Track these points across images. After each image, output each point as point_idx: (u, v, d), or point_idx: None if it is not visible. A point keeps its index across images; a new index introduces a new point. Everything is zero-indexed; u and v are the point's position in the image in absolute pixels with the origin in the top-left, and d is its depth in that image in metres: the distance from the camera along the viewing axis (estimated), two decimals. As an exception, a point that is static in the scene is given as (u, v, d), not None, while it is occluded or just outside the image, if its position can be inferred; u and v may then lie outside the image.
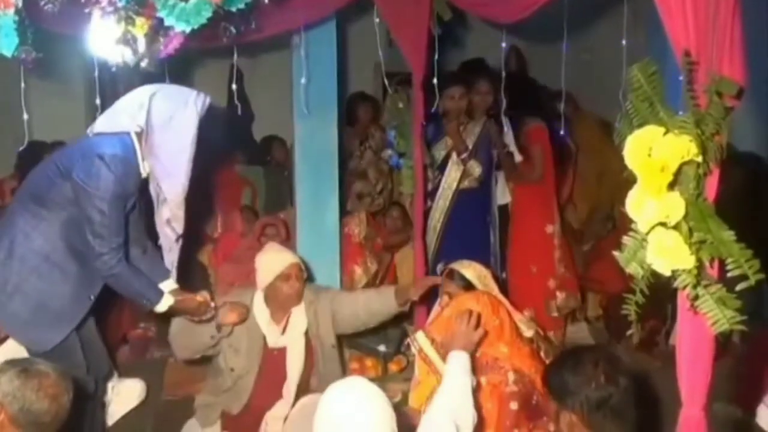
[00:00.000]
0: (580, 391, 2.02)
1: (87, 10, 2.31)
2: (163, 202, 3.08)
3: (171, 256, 3.25)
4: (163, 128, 2.94)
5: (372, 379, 4.14)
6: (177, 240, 3.20)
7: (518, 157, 4.90)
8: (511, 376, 3.12)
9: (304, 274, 3.60)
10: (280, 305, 3.53)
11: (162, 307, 3.11)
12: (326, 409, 2.05)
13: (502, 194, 4.97)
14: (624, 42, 3.36)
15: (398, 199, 5.34)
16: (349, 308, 3.62)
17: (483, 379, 3.12)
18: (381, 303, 3.61)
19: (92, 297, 3.06)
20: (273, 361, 3.50)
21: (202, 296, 3.25)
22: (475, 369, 3.16)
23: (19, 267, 2.93)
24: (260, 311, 3.53)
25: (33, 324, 2.96)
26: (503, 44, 3.74)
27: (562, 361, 2.19)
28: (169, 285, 3.21)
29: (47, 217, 2.94)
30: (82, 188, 2.86)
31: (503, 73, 3.99)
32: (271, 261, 3.57)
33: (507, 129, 4.82)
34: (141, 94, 2.99)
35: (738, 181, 4.11)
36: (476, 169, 4.69)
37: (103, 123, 3.03)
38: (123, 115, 2.99)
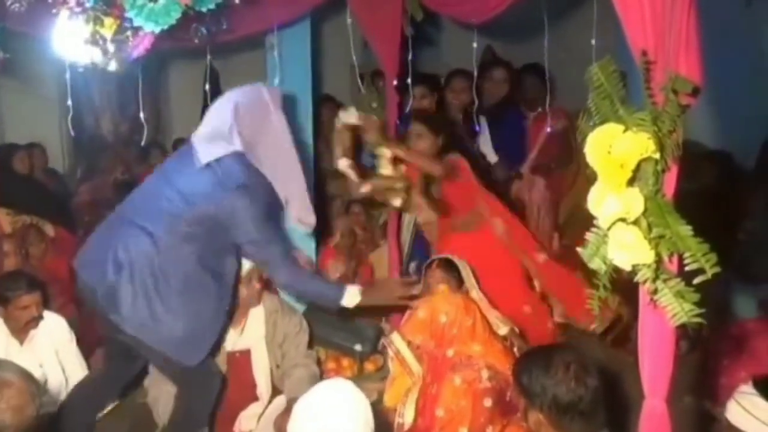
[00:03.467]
0: (549, 392, 2.03)
1: (54, 11, 2.30)
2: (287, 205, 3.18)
3: None
4: (257, 142, 3.00)
5: (348, 379, 4.18)
6: None
7: (493, 158, 4.94)
8: (485, 374, 3.15)
9: (264, 275, 3.57)
10: (238, 308, 3.52)
11: (349, 301, 3.10)
12: (304, 411, 2.05)
13: None
14: (593, 41, 3.40)
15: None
16: (287, 362, 3.61)
17: (457, 378, 3.15)
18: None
19: (227, 309, 3.12)
20: (237, 364, 3.52)
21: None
22: (450, 367, 3.19)
23: (158, 287, 2.90)
24: None
25: (187, 341, 2.96)
26: (475, 44, 3.76)
27: (532, 359, 2.19)
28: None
29: (176, 246, 2.92)
30: (229, 222, 2.92)
31: (475, 73, 4.02)
32: None
33: (482, 129, 4.86)
34: (223, 115, 3.01)
35: (709, 178, 4.17)
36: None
37: (207, 154, 2.99)
38: (220, 141, 2.99)
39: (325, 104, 5.84)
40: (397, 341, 3.31)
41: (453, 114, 4.83)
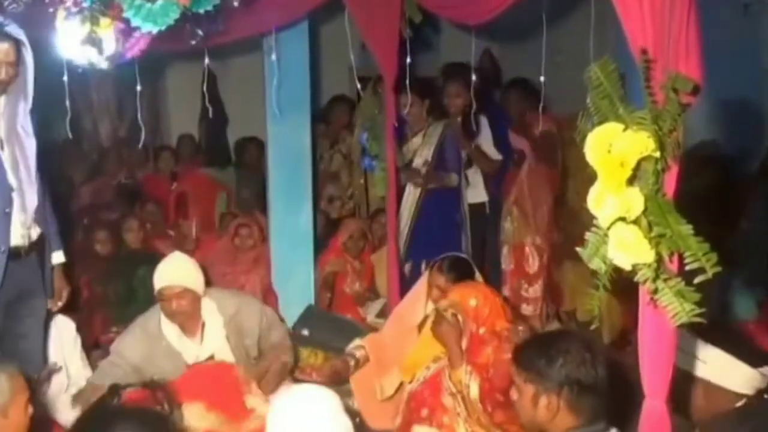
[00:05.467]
0: (573, 375, 2.01)
1: (51, 11, 2.29)
2: None
3: None
4: None
5: (346, 382, 4.18)
6: None
7: (496, 156, 4.94)
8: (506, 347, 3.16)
9: (193, 294, 3.41)
10: (174, 320, 3.43)
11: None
12: (279, 416, 2.03)
13: (480, 193, 5.02)
14: (591, 42, 3.39)
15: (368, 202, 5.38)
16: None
17: (489, 349, 3.15)
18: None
19: (2, 249, 2.92)
20: None
21: None
22: (481, 342, 3.18)
23: None
24: (167, 326, 3.43)
25: None
26: (473, 46, 3.75)
27: (546, 344, 2.13)
28: None
29: None
30: None
31: (473, 75, 4.01)
32: (155, 276, 3.44)
33: (483, 128, 4.86)
34: None
35: (705, 181, 4.16)
36: (454, 178, 4.75)
37: None
38: None
39: (336, 105, 5.89)
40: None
41: (452, 118, 4.82)
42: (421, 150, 4.81)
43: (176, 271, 3.44)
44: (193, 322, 3.45)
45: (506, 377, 3.09)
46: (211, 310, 3.49)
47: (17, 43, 2.75)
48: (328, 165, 5.66)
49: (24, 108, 2.94)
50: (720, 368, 2.21)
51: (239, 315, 3.53)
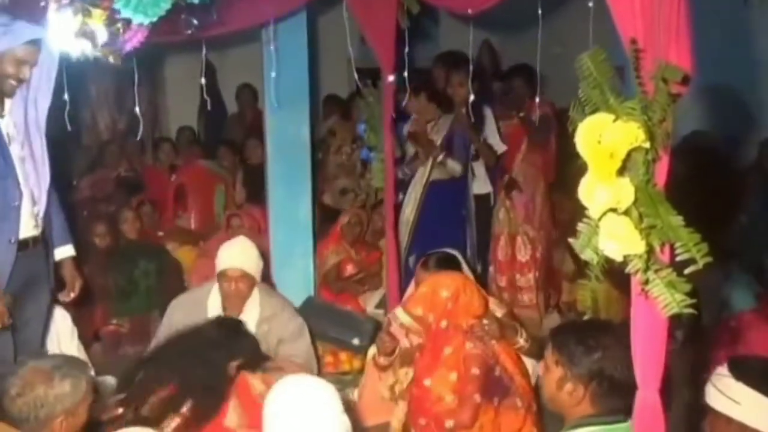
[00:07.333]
0: (607, 371, 1.99)
1: (43, 3, 2.28)
2: None
3: None
4: None
5: (346, 373, 4.18)
6: None
7: (501, 148, 4.93)
8: (468, 345, 3.16)
9: (253, 280, 3.57)
10: (226, 300, 3.55)
11: None
12: (275, 407, 2.03)
13: (484, 184, 5.01)
14: (590, 34, 3.36)
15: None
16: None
17: (447, 349, 3.16)
18: None
19: (12, 240, 2.94)
20: None
21: None
22: (442, 339, 3.19)
23: None
24: (213, 301, 3.57)
25: None
26: (471, 37, 3.73)
27: (588, 334, 2.09)
28: None
29: None
30: None
31: (471, 66, 3.99)
32: (221, 256, 3.59)
33: (488, 119, 4.85)
34: None
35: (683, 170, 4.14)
36: (456, 167, 4.72)
37: None
38: None
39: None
40: (400, 315, 3.33)
41: (458, 108, 4.80)
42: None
43: (240, 255, 3.58)
44: (239, 307, 3.56)
45: (472, 372, 3.11)
46: (254, 300, 3.60)
47: (40, 44, 2.77)
48: (348, 159, 5.68)
49: (42, 105, 2.97)
50: (757, 410, 2.11)
51: (273, 319, 3.60)
